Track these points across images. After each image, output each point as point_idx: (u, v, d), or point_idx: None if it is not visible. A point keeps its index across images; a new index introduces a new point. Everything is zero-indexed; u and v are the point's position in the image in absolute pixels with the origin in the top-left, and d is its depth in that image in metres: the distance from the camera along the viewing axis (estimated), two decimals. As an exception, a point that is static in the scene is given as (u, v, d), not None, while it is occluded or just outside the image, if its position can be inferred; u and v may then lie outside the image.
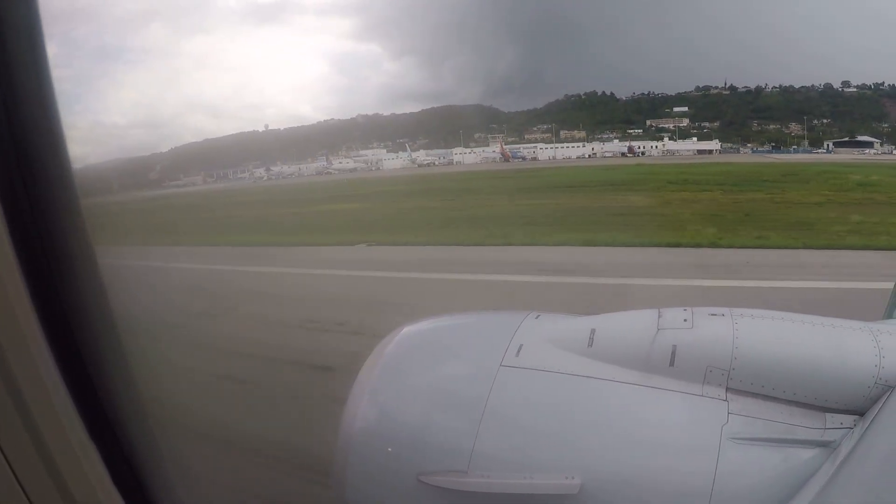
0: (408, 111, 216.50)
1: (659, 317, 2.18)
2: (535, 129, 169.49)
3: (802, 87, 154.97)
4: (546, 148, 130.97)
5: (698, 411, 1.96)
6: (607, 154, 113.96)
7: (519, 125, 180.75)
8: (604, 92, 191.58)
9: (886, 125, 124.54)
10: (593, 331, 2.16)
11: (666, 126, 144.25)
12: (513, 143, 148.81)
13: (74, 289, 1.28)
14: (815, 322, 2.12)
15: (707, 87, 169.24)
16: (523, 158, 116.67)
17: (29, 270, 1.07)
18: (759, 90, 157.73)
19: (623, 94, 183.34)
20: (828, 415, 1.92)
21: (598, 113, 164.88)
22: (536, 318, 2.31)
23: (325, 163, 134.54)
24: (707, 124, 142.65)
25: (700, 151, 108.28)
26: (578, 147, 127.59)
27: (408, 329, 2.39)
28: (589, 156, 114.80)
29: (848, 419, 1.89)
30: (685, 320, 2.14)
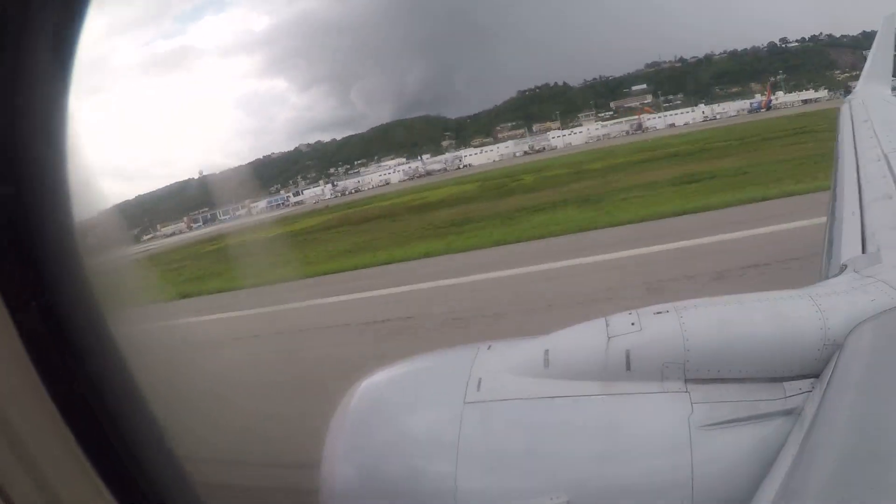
0: (322, 140, 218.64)
1: (607, 325, 2.19)
2: (499, 127, 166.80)
3: (745, 49, 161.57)
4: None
5: (663, 408, 1.98)
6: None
7: (482, 127, 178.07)
8: (556, 83, 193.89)
9: (839, 72, 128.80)
10: (547, 351, 2.16)
11: (632, 105, 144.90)
12: (488, 142, 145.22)
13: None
14: (755, 299, 2.18)
15: (656, 63, 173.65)
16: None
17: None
18: (709, 58, 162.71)
19: (575, 81, 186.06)
20: (786, 383, 1.98)
21: (559, 103, 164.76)
22: (489, 348, 2.31)
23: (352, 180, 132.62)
24: (672, 97, 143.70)
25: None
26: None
27: (367, 383, 2.34)
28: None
29: (805, 383, 1.96)
30: (633, 324, 2.15)
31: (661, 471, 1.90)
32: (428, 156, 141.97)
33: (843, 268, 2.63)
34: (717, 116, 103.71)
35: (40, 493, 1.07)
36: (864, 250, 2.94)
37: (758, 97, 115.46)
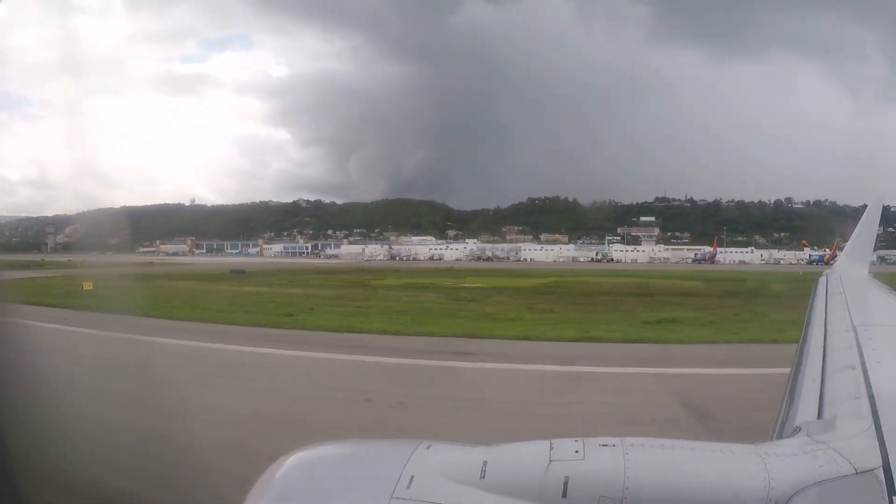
0: (323, 200, 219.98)
1: (551, 448, 2.17)
2: (506, 228, 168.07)
3: (754, 202, 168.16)
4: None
5: None
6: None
7: (487, 224, 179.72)
8: (566, 197, 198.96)
9: (838, 238, 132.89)
10: (485, 462, 2.15)
11: (638, 234, 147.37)
12: (493, 240, 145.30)
13: None
14: (703, 448, 2.20)
15: (665, 199, 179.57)
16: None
17: None
18: (717, 203, 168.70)
19: (584, 200, 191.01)
20: None
21: (566, 218, 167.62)
22: (427, 447, 2.28)
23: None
24: (678, 233, 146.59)
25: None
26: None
27: (295, 457, 2.29)
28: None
29: None
30: (576, 451, 2.14)
31: None
32: (475, 241, 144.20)
33: (797, 430, 2.60)
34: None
35: None
36: (819, 416, 2.87)
37: (705, 248, 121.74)
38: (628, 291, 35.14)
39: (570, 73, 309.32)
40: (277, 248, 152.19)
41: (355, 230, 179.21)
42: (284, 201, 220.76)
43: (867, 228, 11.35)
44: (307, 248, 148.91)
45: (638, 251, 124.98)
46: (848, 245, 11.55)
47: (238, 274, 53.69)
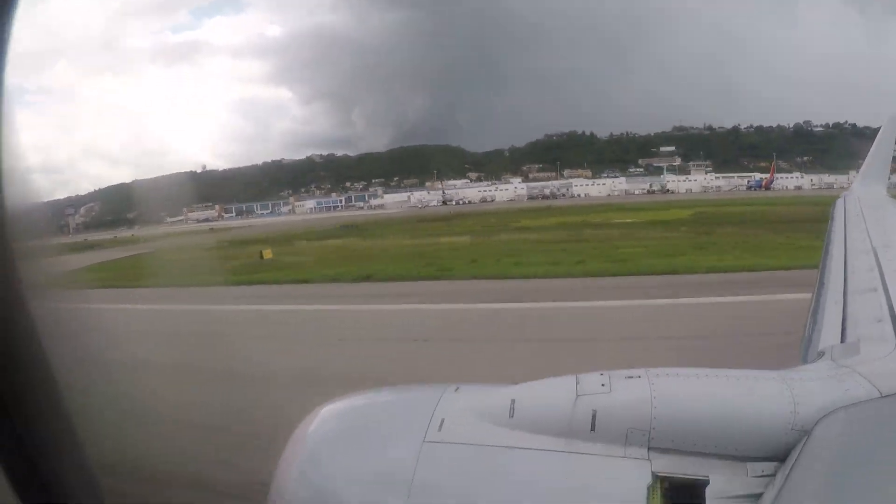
0: (335, 154, 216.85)
1: (577, 383, 2.19)
2: (525, 167, 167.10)
3: (772, 126, 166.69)
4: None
5: (622, 474, 1.97)
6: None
7: (505, 164, 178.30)
8: (583, 132, 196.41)
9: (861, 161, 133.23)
10: (513, 401, 2.17)
11: (661, 165, 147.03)
12: (507, 179, 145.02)
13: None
14: (728, 375, 2.20)
15: (683, 128, 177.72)
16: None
17: None
18: (736, 130, 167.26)
19: (602, 134, 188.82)
20: (749, 464, 1.97)
21: (585, 153, 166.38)
22: (456, 390, 2.31)
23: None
24: (702, 162, 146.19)
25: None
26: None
27: (327, 409, 2.35)
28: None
29: (769, 466, 1.95)
30: (603, 385, 2.16)
31: None
32: (519, 180, 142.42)
33: (821, 355, 2.59)
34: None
35: None
36: (843, 340, 2.90)
37: (756, 175, 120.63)
38: (782, 219, 34.61)
39: (575, 2, 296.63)
40: (310, 203, 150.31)
41: (374, 181, 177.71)
42: (297, 158, 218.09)
43: (883, 148, 11.47)
44: (341, 201, 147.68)
45: (690, 181, 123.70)
46: (863, 166, 11.75)
47: (349, 229, 52.00)
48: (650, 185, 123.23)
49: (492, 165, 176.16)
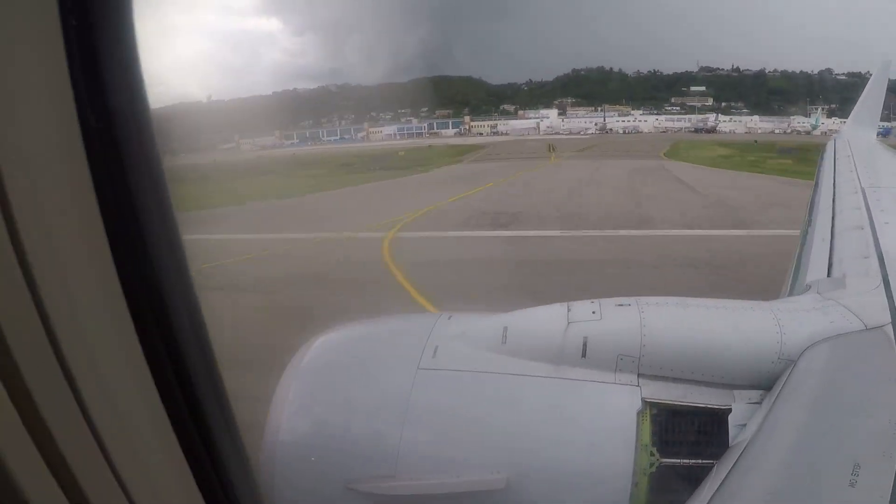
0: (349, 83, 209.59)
1: (568, 311, 2.22)
2: (558, 101, 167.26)
3: (797, 72, 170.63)
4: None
5: (612, 399, 2.01)
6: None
7: (533, 97, 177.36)
8: (611, 68, 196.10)
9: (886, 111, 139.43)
10: (506, 328, 2.19)
11: (694, 104, 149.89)
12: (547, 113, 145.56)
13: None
14: (717, 305, 2.22)
15: (709, 68, 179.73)
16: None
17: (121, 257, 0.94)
18: (763, 73, 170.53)
19: (629, 70, 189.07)
20: (736, 391, 2.01)
21: (615, 90, 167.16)
22: (449, 318, 2.33)
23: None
24: (732, 103, 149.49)
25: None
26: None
27: (324, 338, 2.35)
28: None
29: (755, 394, 1.99)
30: (594, 312, 2.19)
31: (603, 460, 1.92)
32: (556, 112, 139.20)
33: (808, 288, 2.68)
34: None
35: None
36: (829, 275, 3.01)
37: (801, 118, 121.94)
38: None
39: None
40: (389, 130, 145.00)
41: (399, 110, 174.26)
42: (311, 87, 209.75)
43: (874, 93, 11.70)
44: (423, 128, 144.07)
45: (734, 122, 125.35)
46: (854, 110, 11.97)
47: (790, 153, 44.81)
48: (704, 122, 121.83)
49: (517, 98, 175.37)
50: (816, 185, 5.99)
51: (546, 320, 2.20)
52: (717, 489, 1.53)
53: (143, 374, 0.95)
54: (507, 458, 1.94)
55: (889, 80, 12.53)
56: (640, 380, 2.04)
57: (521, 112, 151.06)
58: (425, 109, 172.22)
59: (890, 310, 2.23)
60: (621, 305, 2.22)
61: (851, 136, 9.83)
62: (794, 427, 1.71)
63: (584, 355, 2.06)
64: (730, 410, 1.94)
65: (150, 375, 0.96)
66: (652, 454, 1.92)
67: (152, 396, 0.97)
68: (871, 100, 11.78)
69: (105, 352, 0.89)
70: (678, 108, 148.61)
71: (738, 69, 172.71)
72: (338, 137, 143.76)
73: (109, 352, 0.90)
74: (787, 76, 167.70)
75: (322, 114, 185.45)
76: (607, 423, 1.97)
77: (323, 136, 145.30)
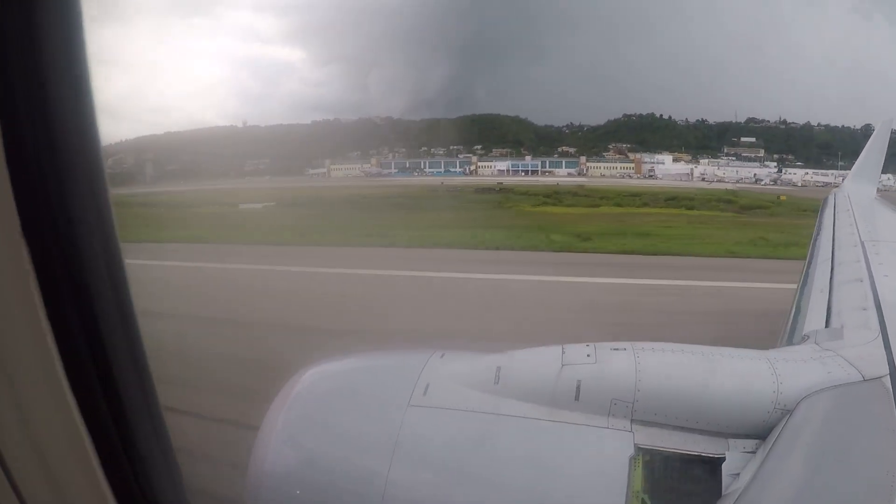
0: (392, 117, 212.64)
1: (563, 353, 2.23)
2: (613, 146, 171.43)
3: (838, 126, 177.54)
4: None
5: (604, 444, 2.00)
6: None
7: (579, 141, 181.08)
8: (661, 115, 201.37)
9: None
10: (499, 368, 2.21)
11: (749, 155, 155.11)
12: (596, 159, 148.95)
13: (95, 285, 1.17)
14: (714, 352, 2.24)
15: (757, 120, 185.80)
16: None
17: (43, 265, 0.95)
18: (809, 126, 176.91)
19: (678, 118, 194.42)
20: (730, 440, 2.00)
21: (667, 137, 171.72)
22: (441, 356, 2.34)
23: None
24: (784, 155, 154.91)
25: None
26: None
27: (313, 371, 2.37)
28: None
29: (750, 444, 1.97)
30: (588, 355, 2.20)
31: None
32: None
33: (805, 338, 2.71)
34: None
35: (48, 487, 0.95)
36: (827, 325, 2.99)
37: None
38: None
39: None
40: (501, 165, 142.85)
41: (451, 147, 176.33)
42: (351, 118, 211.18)
43: (876, 149, 11.63)
44: (538, 165, 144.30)
45: (808, 175, 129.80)
46: (856, 165, 12.09)
47: None
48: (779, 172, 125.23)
49: (568, 141, 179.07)
50: (815, 236, 6.06)
51: (540, 362, 2.20)
52: None
53: (55, 376, 0.94)
54: (497, 501, 1.91)
55: (893, 135, 12.48)
56: (634, 425, 2.01)
57: (635, 155, 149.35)
58: (480, 147, 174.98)
59: (888, 362, 2.21)
60: (616, 349, 2.22)
61: (852, 189, 9.77)
62: (789, 477, 1.69)
63: (577, 398, 2.05)
64: (724, 459, 1.93)
65: (65, 377, 0.95)
66: (643, 501, 1.89)
67: (62, 395, 0.95)
68: (872, 155, 11.75)
69: (13, 350, 0.87)
70: (733, 157, 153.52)
71: (784, 121, 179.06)
72: (442, 170, 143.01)
73: (18, 350, 0.87)
74: (830, 130, 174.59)
75: (369, 145, 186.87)
76: (599, 468, 1.95)
77: (425, 167, 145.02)
